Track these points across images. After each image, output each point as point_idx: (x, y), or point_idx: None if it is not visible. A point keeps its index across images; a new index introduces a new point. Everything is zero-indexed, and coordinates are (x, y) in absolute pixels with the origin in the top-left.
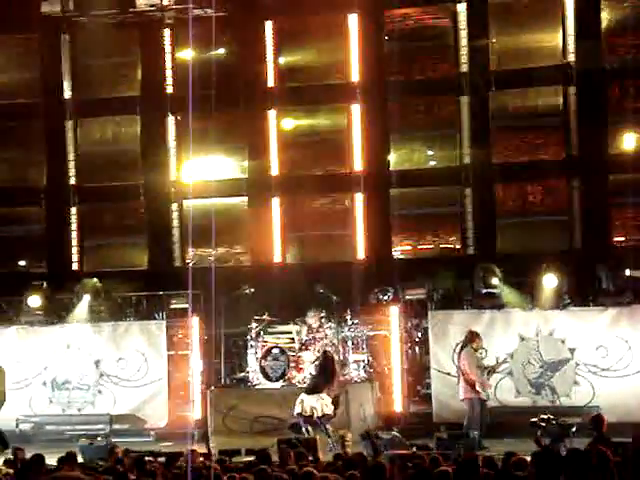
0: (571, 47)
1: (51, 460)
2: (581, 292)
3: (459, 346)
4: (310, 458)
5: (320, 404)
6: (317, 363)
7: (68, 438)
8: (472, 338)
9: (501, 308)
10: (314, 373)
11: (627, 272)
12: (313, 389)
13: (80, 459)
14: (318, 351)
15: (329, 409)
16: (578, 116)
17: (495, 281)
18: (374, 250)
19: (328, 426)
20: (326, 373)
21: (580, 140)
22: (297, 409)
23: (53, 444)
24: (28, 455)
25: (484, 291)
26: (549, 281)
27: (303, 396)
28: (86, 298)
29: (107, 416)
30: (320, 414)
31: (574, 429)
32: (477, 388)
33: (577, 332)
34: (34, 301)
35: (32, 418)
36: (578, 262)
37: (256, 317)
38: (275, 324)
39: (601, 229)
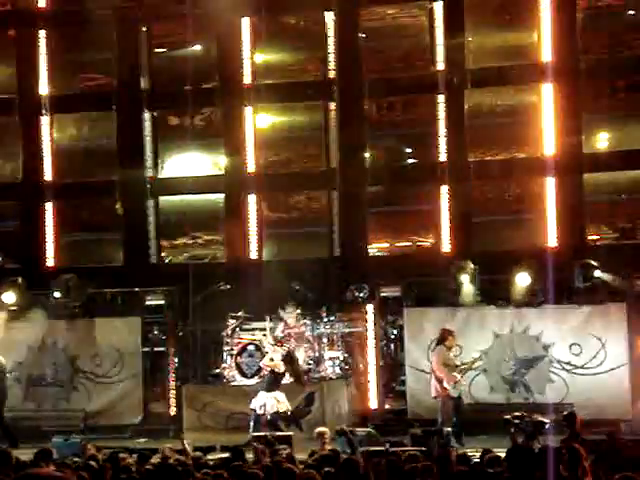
0: (547, 45)
1: (25, 456)
2: (555, 290)
3: (434, 344)
4: (284, 455)
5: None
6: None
7: (43, 434)
8: (445, 336)
9: (475, 305)
10: (280, 370)
11: (597, 273)
12: (276, 386)
13: (55, 455)
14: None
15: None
16: (554, 114)
17: (466, 278)
18: (350, 247)
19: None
20: (296, 372)
21: (556, 138)
22: (273, 408)
23: (28, 440)
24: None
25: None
26: (523, 279)
27: (275, 394)
28: (61, 294)
29: (82, 412)
30: (291, 410)
31: (547, 426)
32: (444, 385)
33: (551, 330)
34: (9, 297)
35: (6, 414)
36: (552, 260)
37: (232, 314)
38: (251, 321)
39: (576, 227)
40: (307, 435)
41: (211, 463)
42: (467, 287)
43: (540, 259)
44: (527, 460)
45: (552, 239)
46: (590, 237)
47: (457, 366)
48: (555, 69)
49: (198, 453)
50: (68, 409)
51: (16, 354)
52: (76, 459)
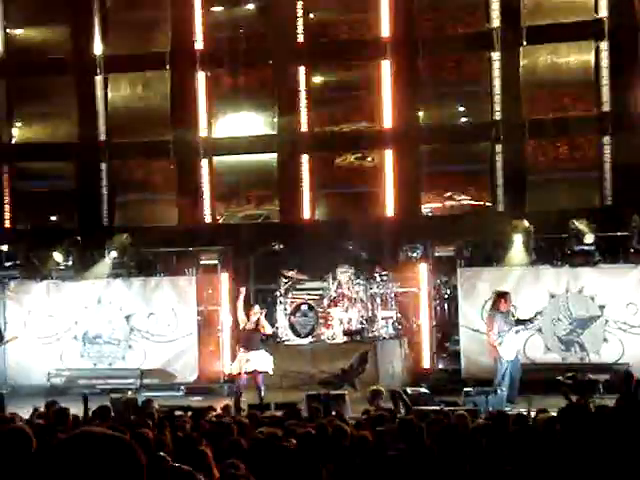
0: (603, 2)
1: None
2: (611, 249)
3: (488, 305)
4: (333, 413)
5: None
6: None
7: (99, 392)
8: (497, 300)
9: (531, 265)
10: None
11: None
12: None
13: (112, 413)
14: (346, 308)
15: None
16: (610, 72)
17: (521, 238)
18: (403, 207)
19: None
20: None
21: (611, 96)
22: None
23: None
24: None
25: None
26: (579, 238)
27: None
28: (116, 253)
29: (137, 371)
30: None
31: (601, 385)
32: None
33: (607, 289)
34: (65, 256)
35: (63, 372)
36: (608, 219)
37: (285, 273)
38: (304, 280)
39: (632, 186)
40: (361, 394)
41: (266, 420)
42: (522, 246)
43: (596, 218)
44: (581, 419)
45: (608, 198)
46: None
47: (517, 323)
48: (610, 25)
49: (253, 411)
50: (124, 367)
51: (72, 313)
52: (133, 417)
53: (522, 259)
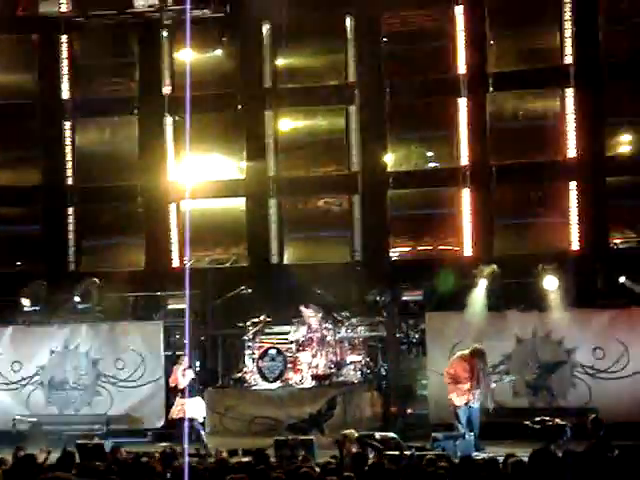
0: (569, 48)
1: (48, 460)
2: (578, 294)
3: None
4: (300, 458)
5: None
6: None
7: (65, 438)
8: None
9: (498, 309)
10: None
11: (622, 279)
12: None
13: (77, 459)
14: (314, 353)
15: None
16: (576, 118)
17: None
18: (371, 251)
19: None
20: None
21: (578, 142)
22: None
23: (50, 444)
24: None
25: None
26: (546, 282)
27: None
28: (83, 298)
29: (104, 416)
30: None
31: (568, 431)
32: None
33: (574, 334)
34: (31, 301)
35: (29, 418)
36: (575, 264)
37: (253, 318)
38: (272, 325)
39: (599, 231)
40: (329, 439)
41: (236, 466)
42: (489, 291)
43: (563, 263)
44: (550, 464)
45: (575, 243)
46: (613, 240)
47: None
48: (577, 72)
49: (225, 454)
50: (90, 413)
51: (38, 358)
52: (98, 463)
53: (490, 303)
